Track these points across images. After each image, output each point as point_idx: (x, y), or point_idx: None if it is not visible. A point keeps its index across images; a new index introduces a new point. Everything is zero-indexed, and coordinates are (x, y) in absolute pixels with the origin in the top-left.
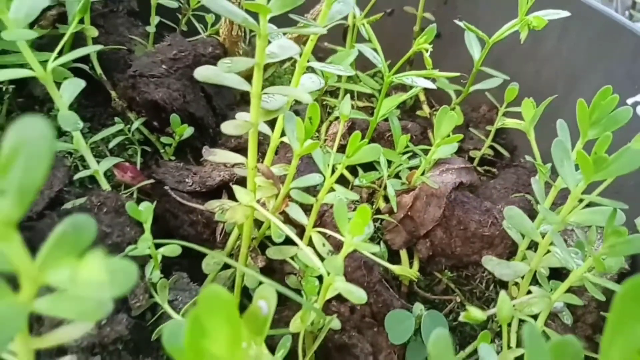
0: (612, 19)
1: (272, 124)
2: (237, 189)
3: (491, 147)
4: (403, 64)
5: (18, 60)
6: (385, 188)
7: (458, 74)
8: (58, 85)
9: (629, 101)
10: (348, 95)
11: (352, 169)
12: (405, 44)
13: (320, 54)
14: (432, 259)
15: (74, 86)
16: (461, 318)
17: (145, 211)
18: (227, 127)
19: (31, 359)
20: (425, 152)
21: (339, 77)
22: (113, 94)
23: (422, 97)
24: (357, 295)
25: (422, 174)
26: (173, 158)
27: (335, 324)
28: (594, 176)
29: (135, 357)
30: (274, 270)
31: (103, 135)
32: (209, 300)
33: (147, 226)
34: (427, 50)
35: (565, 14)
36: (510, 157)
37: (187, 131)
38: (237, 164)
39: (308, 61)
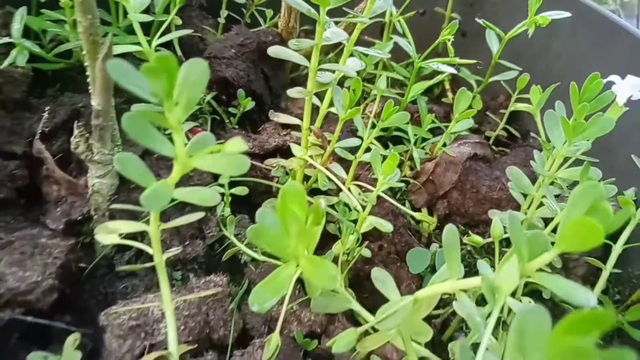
0: (614, 21)
1: (321, 99)
2: (294, 147)
3: (505, 130)
4: (430, 53)
5: (131, 40)
6: (410, 159)
7: (475, 61)
8: None
9: (604, 80)
10: (384, 75)
11: (384, 145)
12: (435, 40)
13: (361, 46)
14: (448, 217)
15: None
16: (465, 240)
17: None
18: (292, 92)
19: (158, 234)
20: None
21: (376, 65)
22: None
23: (447, 86)
24: (385, 227)
25: (443, 145)
26: (236, 127)
27: (366, 252)
28: (574, 138)
29: (207, 275)
30: None
31: None
32: (290, 190)
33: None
34: (449, 41)
35: (566, 14)
36: (522, 140)
37: (249, 104)
38: (288, 134)
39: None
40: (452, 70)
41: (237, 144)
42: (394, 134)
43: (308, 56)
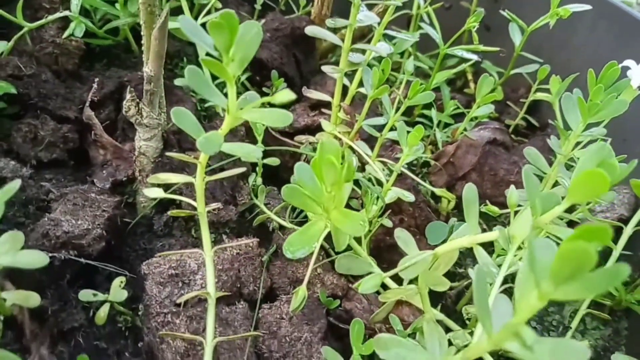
0: (634, 16)
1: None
2: (324, 122)
3: (525, 120)
4: (454, 43)
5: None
6: (432, 144)
7: (498, 48)
8: None
9: (620, 65)
10: (412, 57)
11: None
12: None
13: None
14: None
15: None
16: (482, 209)
17: (258, 127)
18: (327, 69)
19: (203, 185)
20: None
21: (401, 55)
22: None
23: (470, 77)
24: (408, 197)
25: (465, 130)
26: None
27: (388, 222)
28: (589, 118)
29: (237, 237)
30: None
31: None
32: (327, 143)
33: (260, 138)
34: (474, 28)
35: (586, 7)
36: (541, 130)
37: (282, 85)
38: (317, 114)
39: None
40: (476, 57)
41: (285, 94)
42: (416, 119)
43: (341, 40)
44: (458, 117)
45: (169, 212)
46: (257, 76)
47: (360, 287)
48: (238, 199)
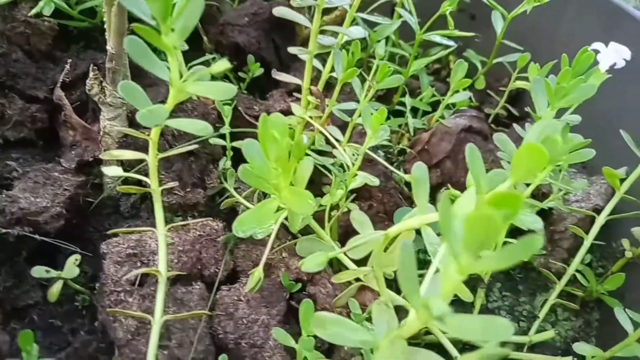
0: (619, 6)
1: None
2: (294, 106)
3: (506, 109)
4: (432, 25)
5: None
6: (409, 131)
7: (474, 34)
8: None
9: (589, 48)
10: (383, 41)
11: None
12: (442, 22)
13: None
14: (441, 186)
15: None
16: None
17: (225, 109)
18: (293, 50)
19: (155, 162)
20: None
21: (387, 42)
22: (205, 39)
23: (452, 66)
24: (374, 181)
25: (442, 118)
26: (245, 92)
27: (352, 206)
28: (557, 103)
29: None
30: (312, 181)
31: (193, 63)
32: (271, 117)
33: (227, 120)
34: (447, 11)
35: None
36: (522, 119)
37: (258, 70)
38: (294, 100)
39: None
40: (452, 43)
41: (222, 64)
42: (396, 107)
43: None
44: (439, 103)
45: (117, 188)
46: (235, 61)
47: (303, 265)
48: (207, 183)
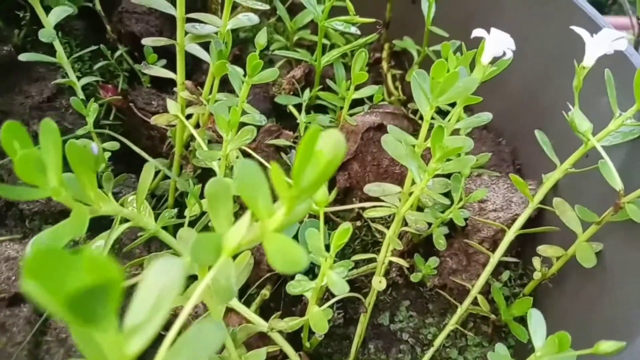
0: None
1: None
2: (169, 102)
3: None
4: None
5: None
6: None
7: (374, 20)
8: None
9: (472, 35)
10: (265, 28)
11: (307, 113)
12: (376, 11)
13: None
14: (349, 190)
15: (61, 11)
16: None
17: (89, 106)
18: (147, 41)
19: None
20: (370, 98)
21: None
22: (108, 28)
23: (384, 55)
24: None
25: (350, 114)
26: (149, 85)
27: None
28: (437, 100)
29: None
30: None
31: (83, 53)
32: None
33: (90, 120)
34: None
35: None
36: None
37: (160, 62)
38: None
39: None
40: (355, 30)
41: None
42: (316, 102)
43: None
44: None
45: None
46: (136, 52)
47: None
48: None
